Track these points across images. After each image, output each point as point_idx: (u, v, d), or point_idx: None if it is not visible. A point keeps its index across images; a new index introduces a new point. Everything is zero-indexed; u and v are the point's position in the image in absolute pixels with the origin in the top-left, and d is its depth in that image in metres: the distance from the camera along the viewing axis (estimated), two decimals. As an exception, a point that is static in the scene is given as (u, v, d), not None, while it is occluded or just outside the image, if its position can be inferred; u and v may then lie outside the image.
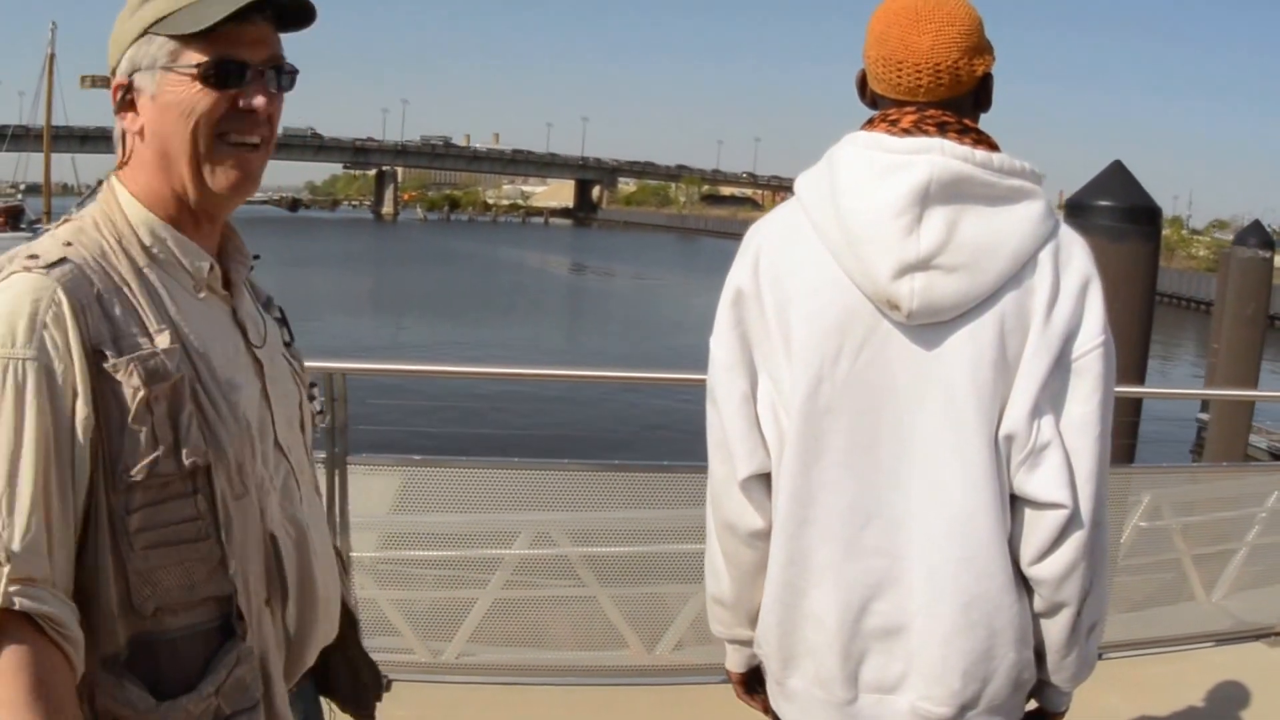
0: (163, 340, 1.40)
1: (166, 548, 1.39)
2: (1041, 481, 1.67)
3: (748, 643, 1.96)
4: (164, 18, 1.43)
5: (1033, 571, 1.71)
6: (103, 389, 1.34)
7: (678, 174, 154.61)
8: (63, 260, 1.37)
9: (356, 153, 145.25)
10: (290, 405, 1.64)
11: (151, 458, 1.36)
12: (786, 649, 1.83)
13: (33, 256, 1.37)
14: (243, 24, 1.44)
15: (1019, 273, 1.68)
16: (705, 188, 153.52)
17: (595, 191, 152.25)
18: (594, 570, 4.37)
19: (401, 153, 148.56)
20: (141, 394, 1.36)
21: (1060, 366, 1.68)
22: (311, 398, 1.77)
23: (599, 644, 4.45)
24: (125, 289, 1.41)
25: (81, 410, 1.33)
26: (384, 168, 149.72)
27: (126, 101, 1.47)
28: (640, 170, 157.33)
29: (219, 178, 1.46)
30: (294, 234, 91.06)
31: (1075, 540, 1.68)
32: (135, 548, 1.36)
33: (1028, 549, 1.71)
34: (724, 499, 1.86)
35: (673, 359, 26.34)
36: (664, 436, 15.28)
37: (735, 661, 2.02)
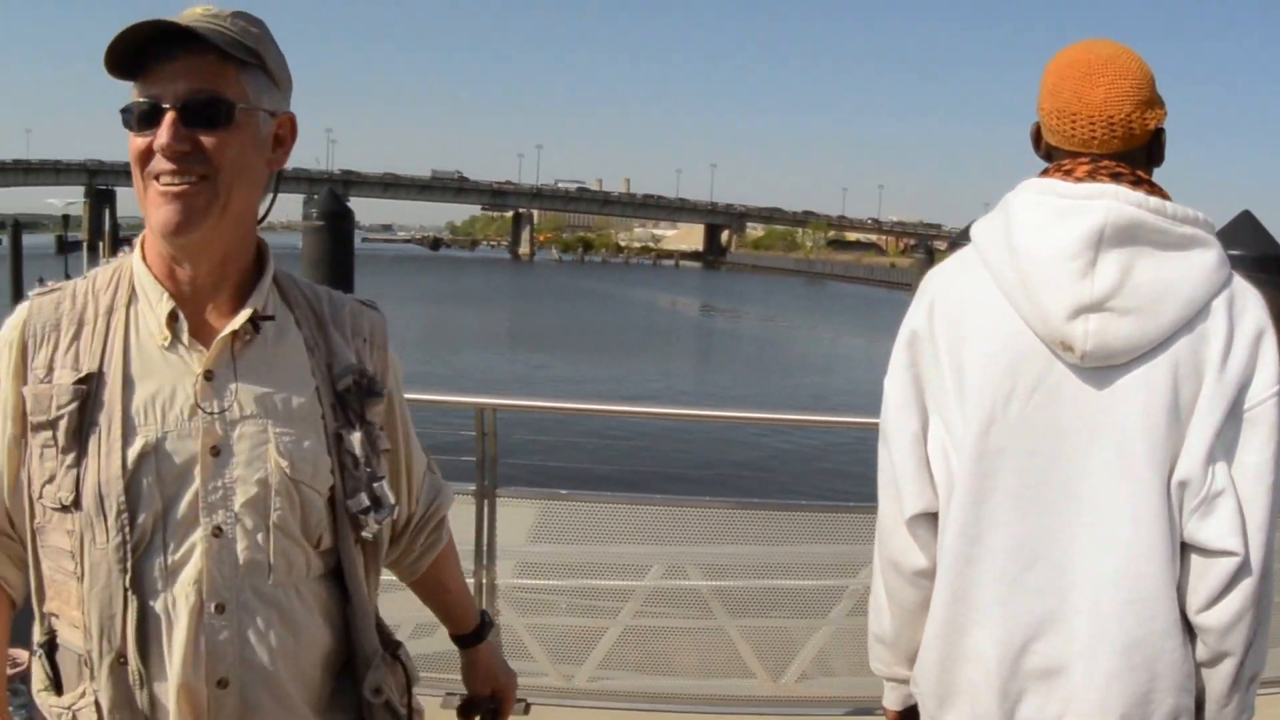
0: (65, 376, 1.44)
1: (50, 563, 1.47)
2: (1215, 529, 1.65)
3: (905, 681, 1.95)
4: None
5: (1200, 619, 1.68)
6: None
7: (804, 219, 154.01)
8: (55, 289, 1.51)
9: (495, 195, 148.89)
10: (251, 482, 1.45)
11: (40, 482, 1.44)
12: (944, 687, 1.82)
13: (46, 284, 1.54)
14: (162, 60, 1.41)
15: (1192, 319, 1.67)
16: (831, 233, 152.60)
17: (724, 235, 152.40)
18: (723, 602, 4.39)
19: (537, 196, 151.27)
20: (32, 420, 1.44)
21: (1234, 415, 1.67)
22: (375, 504, 1.55)
23: (726, 673, 4.47)
24: (88, 324, 1.46)
25: (7, 426, 1.47)
26: (520, 210, 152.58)
27: None
28: (767, 215, 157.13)
29: (154, 218, 1.42)
30: (436, 272, 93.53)
31: (1244, 589, 1.65)
32: (40, 556, 1.48)
33: (1196, 596, 1.68)
34: (890, 536, 1.86)
35: (803, 400, 26.24)
36: (796, 475, 15.22)
37: (893, 700, 2.02)
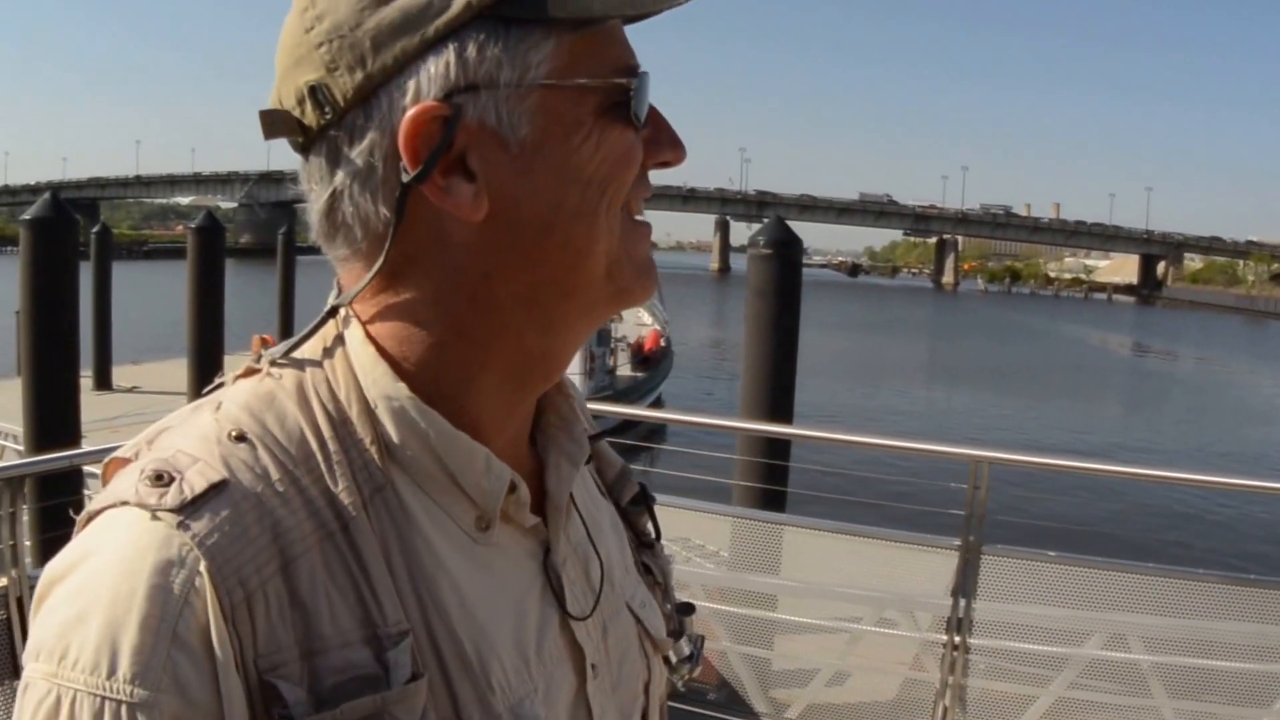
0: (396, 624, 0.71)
1: None
2: None
3: None
4: None
5: None
6: None
7: (1246, 250, 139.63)
8: (209, 496, 0.67)
9: (918, 219, 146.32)
10: (630, 693, 0.90)
11: None
12: None
13: (158, 477, 0.68)
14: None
15: None
16: (1275, 265, 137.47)
17: (1160, 268, 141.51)
18: (1162, 680, 4.19)
19: (962, 221, 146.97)
20: None
21: None
22: (684, 658, 0.99)
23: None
24: (330, 544, 0.71)
25: None
26: (944, 236, 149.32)
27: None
28: (1206, 246, 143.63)
29: (629, 277, 0.80)
30: (856, 299, 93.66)
31: None
32: None
33: None
34: None
35: (1247, 457, 24.42)
36: (1235, 543, 14.42)
37: None
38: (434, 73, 0.71)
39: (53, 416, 9.83)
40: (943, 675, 4.37)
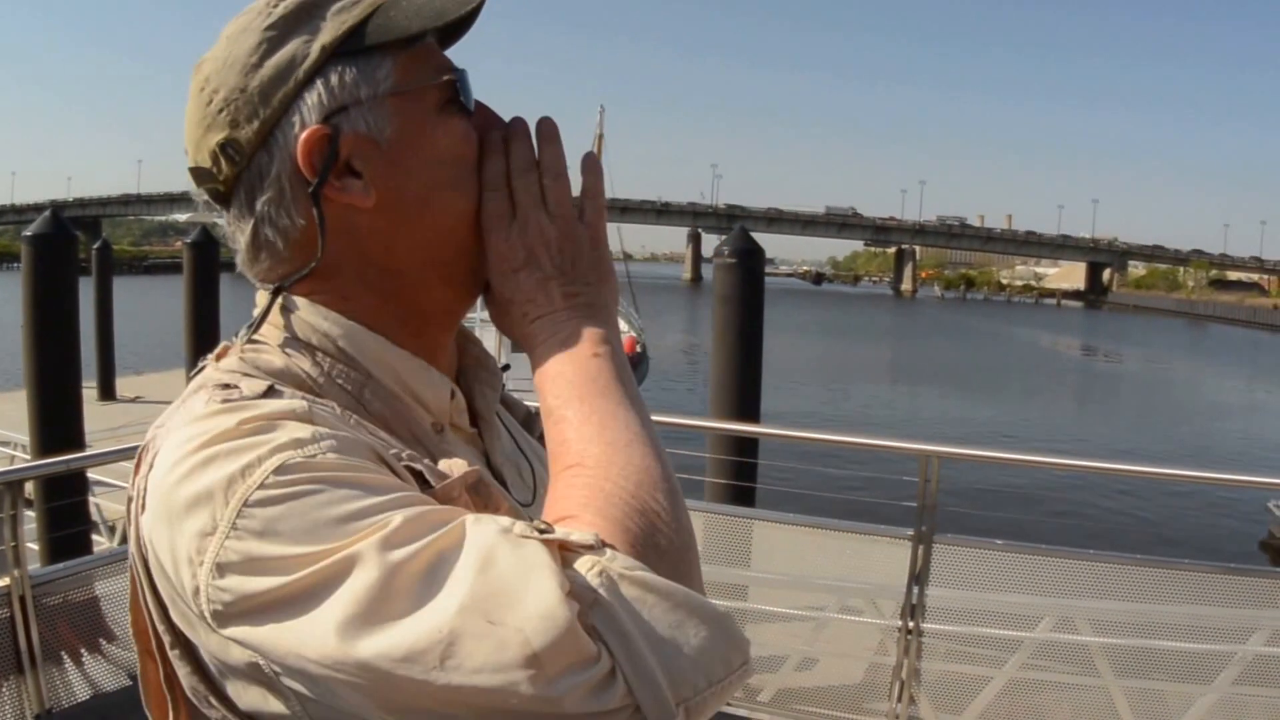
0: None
1: None
2: None
3: None
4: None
5: None
6: None
7: (1186, 258, 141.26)
8: (269, 395, 0.85)
9: (878, 231, 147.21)
10: None
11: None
12: None
13: (230, 388, 0.84)
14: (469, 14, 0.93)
15: None
16: (1213, 272, 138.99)
17: (1106, 274, 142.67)
18: (1110, 661, 4.22)
19: (920, 232, 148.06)
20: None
21: None
22: None
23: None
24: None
25: None
26: (903, 246, 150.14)
27: None
28: (1149, 254, 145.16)
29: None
30: (820, 306, 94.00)
31: None
32: None
33: None
34: None
35: (1188, 450, 24.67)
36: (1181, 529, 14.57)
37: None
38: (311, 104, 0.87)
39: (57, 425, 9.77)
40: (898, 659, 4.39)
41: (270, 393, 0.83)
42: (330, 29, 0.87)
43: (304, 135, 0.86)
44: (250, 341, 0.92)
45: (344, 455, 0.77)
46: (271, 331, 0.92)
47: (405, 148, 0.89)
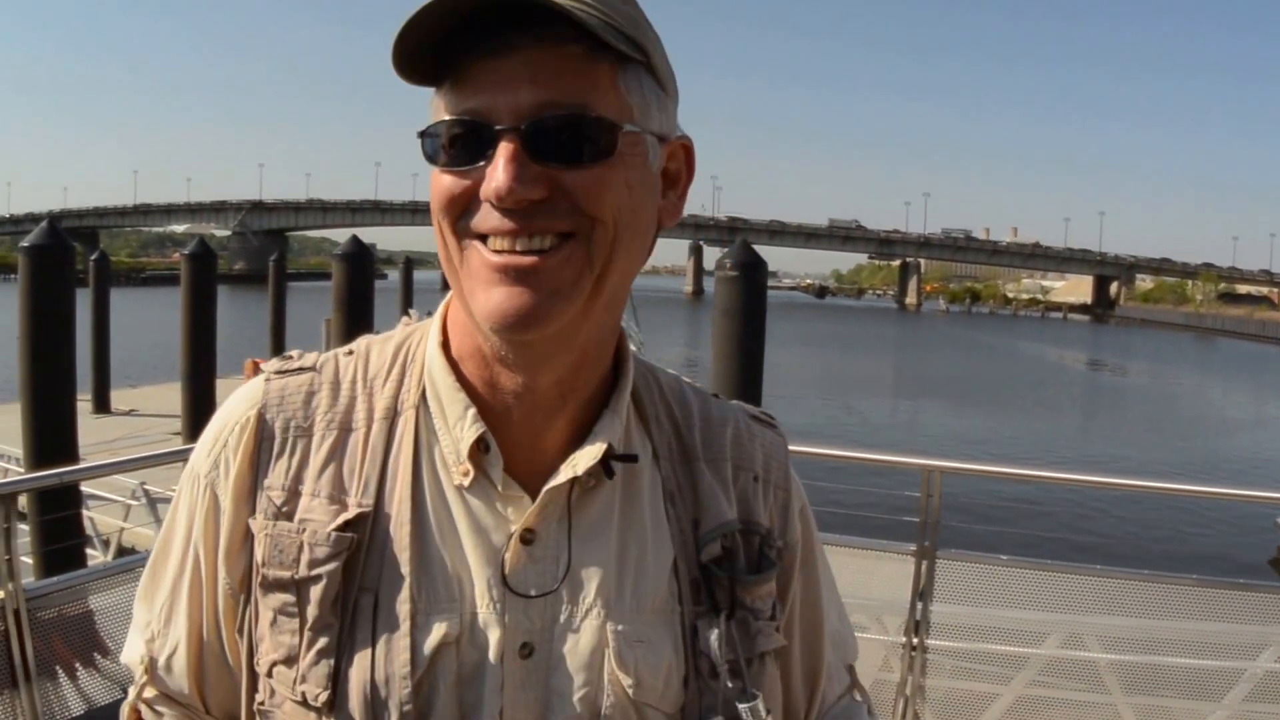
0: (321, 512, 0.92)
1: None
2: None
3: None
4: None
5: None
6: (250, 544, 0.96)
7: (1194, 271, 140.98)
8: (304, 370, 0.99)
9: (882, 243, 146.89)
10: (573, 701, 0.91)
11: (270, 657, 0.93)
12: None
13: (287, 357, 1.02)
14: (491, 54, 0.85)
15: None
16: (1221, 285, 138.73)
17: (1113, 288, 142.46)
18: (1119, 678, 4.20)
19: (924, 245, 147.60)
20: (265, 573, 0.93)
21: None
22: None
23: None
24: (356, 432, 0.95)
25: (219, 572, 0.97)
26: (908, 259, 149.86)
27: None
28: (1156, 267, 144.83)
29: (483, 304, 0.88)
30: (824, 319, 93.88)
31: None
32: None
33: None
34: None
35: (1196, 464, 24.59)
36: (1188, 545, 14.50)
37: None
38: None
39: (50, 438, 9.75)
40: (903, 675, 4.36)
41: (286, 374, 1.02)
42: None
43: None
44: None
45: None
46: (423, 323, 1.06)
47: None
